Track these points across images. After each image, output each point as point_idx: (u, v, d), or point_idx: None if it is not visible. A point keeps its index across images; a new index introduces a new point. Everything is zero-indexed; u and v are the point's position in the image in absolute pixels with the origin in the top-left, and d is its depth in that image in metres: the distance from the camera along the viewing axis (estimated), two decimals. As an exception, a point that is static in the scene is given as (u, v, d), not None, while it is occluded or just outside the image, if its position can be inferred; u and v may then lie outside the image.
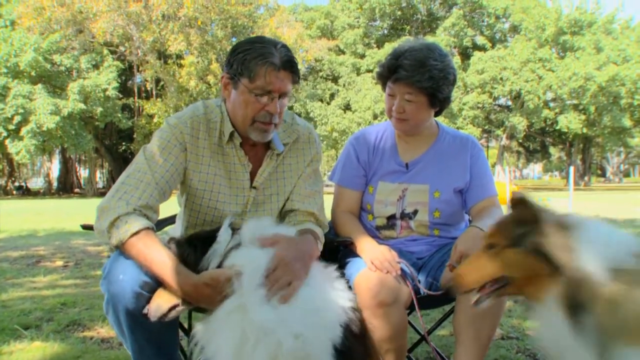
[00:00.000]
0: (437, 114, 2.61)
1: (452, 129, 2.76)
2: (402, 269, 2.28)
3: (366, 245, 2.41)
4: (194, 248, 1.94)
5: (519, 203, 1.58)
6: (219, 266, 1.88)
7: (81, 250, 7.87)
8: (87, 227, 2.42)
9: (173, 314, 1.87)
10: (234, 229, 2.00)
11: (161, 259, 1.85)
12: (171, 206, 2.37)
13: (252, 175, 2.29)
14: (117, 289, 1.86)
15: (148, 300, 1.87)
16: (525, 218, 1.55)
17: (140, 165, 2.08)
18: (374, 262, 2.26)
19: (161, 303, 1.85)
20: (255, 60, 2.05)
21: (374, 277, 2.20)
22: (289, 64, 2.10)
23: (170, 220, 2.63)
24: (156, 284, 1.87)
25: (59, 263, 6.67)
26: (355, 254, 2.41)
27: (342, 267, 2.33)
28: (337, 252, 2.59)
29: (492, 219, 2.45)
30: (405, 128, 2.55)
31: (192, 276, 1.84)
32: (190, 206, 2.27)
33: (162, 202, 2.11)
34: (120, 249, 1.90)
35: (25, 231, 10.77)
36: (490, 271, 1.57)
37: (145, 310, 1.84)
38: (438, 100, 2.45)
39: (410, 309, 2.32)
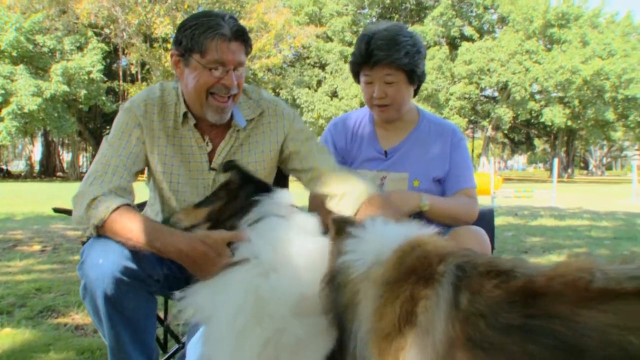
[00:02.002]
0: (414, 94, 2.55)
1: (434, 116, 2.71)
2: None
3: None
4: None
5: None
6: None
7: (60, 235, 7.73)
8: (60, 211, 2.34)
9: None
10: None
11: (150, 224, 1.83)
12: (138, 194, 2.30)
13: (213, 156, 2.22)
14: (96, 274, 1.80)
15: (128, 287, 1.81)
16: None
17: (105, 151, 2.08)
18: None
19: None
20: (205, 34, 2.00)
21: None
22: (240, 34, 2.05)
23: (140, 207, 2.56)
24: (139, 269, 1.83)
25: (36, 247, 6.54)
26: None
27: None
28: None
29: (451, 200, 2.43)
30: (389, 114, 2.49)
31: (185, 234, 1.82)
32: (156, 190, 2.25)
33: (133, 182, 2.09)
34: (101, 230, 1.85)
35: (3, 215, 10.55)
36: None
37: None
38: (416, 75, 2.41)
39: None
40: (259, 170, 2.24)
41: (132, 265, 1.82)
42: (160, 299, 2.24)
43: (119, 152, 2.06)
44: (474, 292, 1.22)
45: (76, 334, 3.26)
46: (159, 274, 1.97)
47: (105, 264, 1.79)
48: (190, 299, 1.81)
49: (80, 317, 3.56)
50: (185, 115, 2.15)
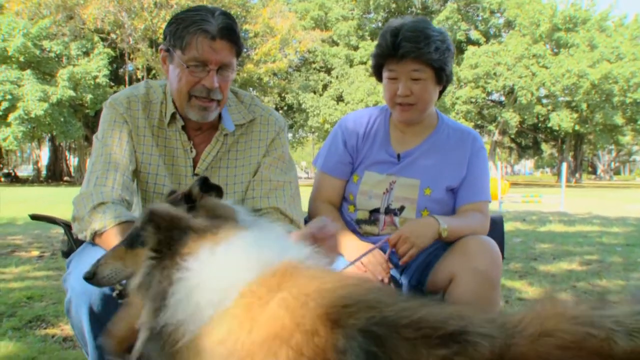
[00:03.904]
0: (439, 96, 2.38)
1: (453, 121, 2.52)
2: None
3: (350, 242, 2.20)
4: None
5: None
6: None
7: (60, 240, 7.59)
8: (37, 217, 2.21)
9: None
10: None
11: None
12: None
13: (197, 160, 2.08)
14: (83, 287, 1.67)
15: (117, 304, 1.65)
16: None
17: (100, 151, 1.98)
18: (365, 263, 2.05)
19: None
20: (187, 28, 1.85)
21: None
22: (227, 32, 1.88)
23: None
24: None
25: (35, 253, 6.44)
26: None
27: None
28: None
29: (464, 221, 2.22)
30: (411, 115, 2.30)
31: None
32: (138, 193, 2.11)
33: (133, 181, 2.02)
34: (98, 238, 1.74)
35: (5, 219, 10.47)
36: None
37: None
38: (445, 74, 2.23)
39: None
40: (244, 176, 2.11)
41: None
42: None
43: (114, 150, 1.95)
44: None
45: (64, 346, 3.11)
46: None
47: None
48: None
49: (69, 327, 3.41)
50: (173, 115, 2.02)
